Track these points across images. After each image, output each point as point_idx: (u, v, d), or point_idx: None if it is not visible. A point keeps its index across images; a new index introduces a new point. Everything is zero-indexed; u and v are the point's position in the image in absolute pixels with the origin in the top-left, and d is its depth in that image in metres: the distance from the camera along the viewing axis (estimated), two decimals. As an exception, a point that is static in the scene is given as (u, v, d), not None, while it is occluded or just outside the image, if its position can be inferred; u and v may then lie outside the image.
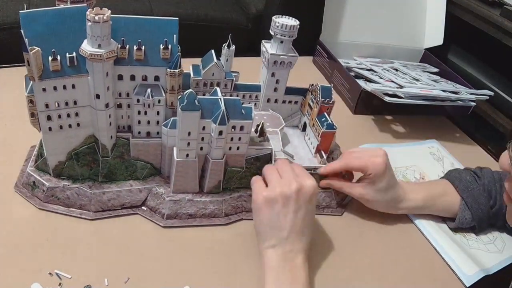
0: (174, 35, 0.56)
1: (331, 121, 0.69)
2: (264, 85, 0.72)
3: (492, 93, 0.99)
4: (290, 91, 0.74)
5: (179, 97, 0.57)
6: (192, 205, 0.63)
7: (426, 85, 1.00)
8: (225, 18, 1.36)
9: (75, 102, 0.56)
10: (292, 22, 0.67)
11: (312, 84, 0.72)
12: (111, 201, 0.61)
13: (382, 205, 0.68)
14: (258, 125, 0.65)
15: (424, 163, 0.86)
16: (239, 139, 0.61)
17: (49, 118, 0.56)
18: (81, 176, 0.61)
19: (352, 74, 1.04)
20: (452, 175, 0.72)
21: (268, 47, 0.69)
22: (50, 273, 0.52)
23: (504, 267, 0.66)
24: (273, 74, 0.70)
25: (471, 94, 0.98)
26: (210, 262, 0.59)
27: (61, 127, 0.57)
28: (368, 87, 0.94)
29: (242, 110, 0.59)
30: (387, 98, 0.89)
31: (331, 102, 0.70)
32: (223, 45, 0.67)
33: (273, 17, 0.66)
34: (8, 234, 0.56)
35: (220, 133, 0.58)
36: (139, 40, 0.55)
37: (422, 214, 0.71)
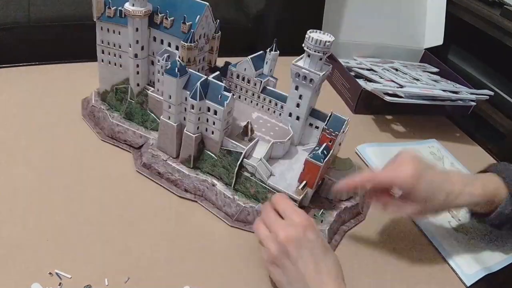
0: (198, 16, 0.64)
1: (324, 153, 0.60)
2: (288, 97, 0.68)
3: (492, 93, 0.99)
4: (316, 114, 0.69)
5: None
6: (164, 165, 0.69)
7: (426, 85, 1.00)
8: (225, 18, 1.36)
9: (119, 46, 0.70)
10: (327, 37, 0.60)
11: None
12: (119, 134, 0.74)
13: (440, 205, 0.59)
14: (245, 125, 0.65)
15: None
16: (214, 123, 0.63)
17: (102, 52, 0.72)
18: (114, 107, 0.76)
19: (352, 74, 1.04)
20: (499, 168, 0.66)
21: (307, 67, 0.62)
22: (50, 273, 0.52)
23: (507, 266, 0.66)
24: (296, 88, 0.65)
25: (471, 94, 0.98)
26: (210, 261, 0.59)
27: (109, 62, 0.73)
28: (368, 86, 0.94)
29: (219, 96, 0.61)
30: (387, 98, 0.89)
31: (334, 134, 0.62)
32: (268, 49, 0.70)
33: (308, 32, 0.61)
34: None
35: (192, 107, 0.61)
36: (167, 11, 0.65)
37: None
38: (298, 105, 0.66)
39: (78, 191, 0.65)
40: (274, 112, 0.72)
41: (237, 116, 0.69)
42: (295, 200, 0.61)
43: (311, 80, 0.61)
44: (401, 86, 0.95)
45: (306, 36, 0.60)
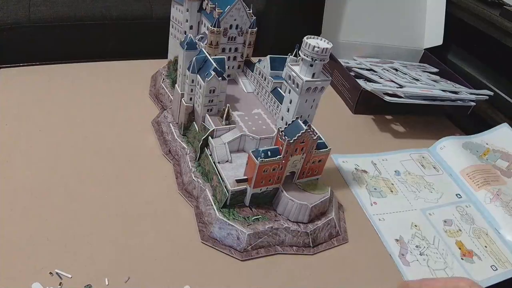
0: (229, 6, 0.72)
1: (267, 154, 0.58)
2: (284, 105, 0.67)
3: (491, 93, 0.99)
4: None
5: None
6: (167, 126, 0.77)
7: (426, 85, 1.00)
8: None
9: (180, 23, 0.81)
10: (325, 44, 0.60)
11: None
12: (160, 96, 0.87)
13: None
14: (224, 108, 0.67)
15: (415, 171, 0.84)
16: (199, 97, 0.68)
17: (172, 26, 0.84)
18: (170, 75, 0.87)
19: (352, 74, 1.04)
20: None
21: (297, 71, 0.61)
22: (50, 273, 0.52)
23: None
24: (289, 91, 0.64)
25: (471, 94, 0.98)
26: (210, 261, 0.59)
27: (174, 36, 0.84)
28: (368, 86, 0.94)
29: (207, 74, 0.65)
30: (387, 98, 0.89)
31: (284, 138, 0.58)
32: (289, 53, 0.71)
33: (304, 38, 0.60)
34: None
35: (187, 77, 0.68)
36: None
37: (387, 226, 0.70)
38: (288, 110, 0.65)
39: (78, 190, 0.65)
40: (275, 114, 0.72)
41: (242, 105, 0.74)
42: (227, 190, 0.61)
43: (297, 84, 0.61)
44: (401, 86, 0.95)
45: (307, 45, 0.59)
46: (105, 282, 0.53)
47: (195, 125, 0.72)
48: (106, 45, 1.20)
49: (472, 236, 0.72)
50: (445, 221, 0.74)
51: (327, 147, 0.64)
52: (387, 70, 1.06)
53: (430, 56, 1.20)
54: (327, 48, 0.59)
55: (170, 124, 0.76)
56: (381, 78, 1.02)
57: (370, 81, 1.01)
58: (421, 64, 1.20)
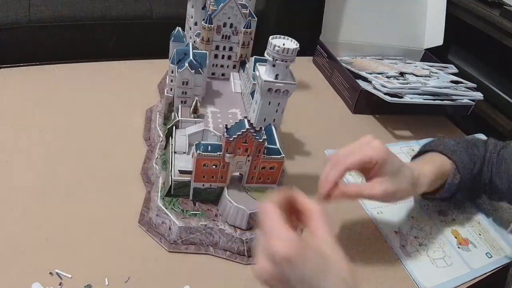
0: (222, 4, 0.72)
1: (207, 147, 0.57)
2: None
3: (481, 96, 0.98)
4: (269, 130, 0.64)
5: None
6: (155, 115, 0.79)
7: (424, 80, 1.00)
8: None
9: (192, 16, 0.80)
10: (292, 45, 0.58)
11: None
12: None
13: (408, 190, 0.59)
14: (193, 101, 0.68)
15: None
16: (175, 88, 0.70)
17: (186, 22, 0.83)
18: None
19: (352, 74, 1.04)
20: (434, 144, 0.69)
21: (262, 71, 0.60)
22: (50, 273, 0.52)
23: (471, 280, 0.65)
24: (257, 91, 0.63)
25: (466, 89, 0.98)
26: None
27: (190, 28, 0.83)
28: (369, 85, 0.94)
29: (181, 65, 0.66)
30: (387, 98, 0.89)
31: (225, 135, 0.56)
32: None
33: (270, 38, 0.58)
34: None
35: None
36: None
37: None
38: (254, 111, 0.65)
39: (78, 190, 0.65)
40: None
41: (223, 103, 0.73)
42: (171, 179, 0.61)
43: (259, 84, 0.59)
44: (404, 80, 0.95)
45: (273, 46, 0.57)
46: (105, 282, 0.53)
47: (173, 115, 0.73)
48: (106, 45, 1.20)
49: (466, 224, 0.74)
50: (439, 212, 0.76)
51: (280, 154, 0.60)
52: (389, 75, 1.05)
53: (431, 56, 1.20)
54: (288, 49, 0.56)
55: (158, 113, 0.78)
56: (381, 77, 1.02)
57: (369, 81, 1.01)
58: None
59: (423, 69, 1.09)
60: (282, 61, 0.57)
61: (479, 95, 0.97)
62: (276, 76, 0.59)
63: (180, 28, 0.74)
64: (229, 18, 0.73)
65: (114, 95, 0.86)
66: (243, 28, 0.74)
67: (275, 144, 0.62)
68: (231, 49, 0.77)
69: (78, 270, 0.53)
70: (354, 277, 0.41)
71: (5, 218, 0.58)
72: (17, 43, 1.07)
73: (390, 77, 1.01)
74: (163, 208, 0.60)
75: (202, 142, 0.59)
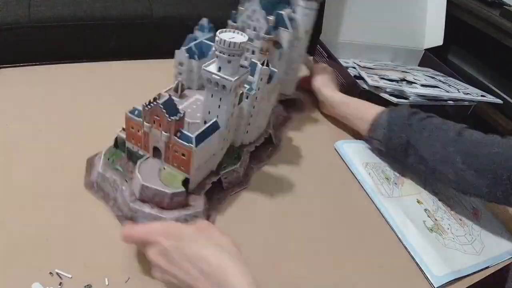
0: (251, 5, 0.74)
1: (135, 111, 0.61)
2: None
3: (501, 101, 0.98)
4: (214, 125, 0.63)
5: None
6: None
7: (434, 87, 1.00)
8: (225, 18, 1.36)
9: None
10: (240, 38, 0.56)
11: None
12: None
13: (326, 98, 0.91)
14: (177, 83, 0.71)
15: None
16: None
17: None
18: None
19: (352, 74, 1.04)
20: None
21: (219, 73, 0.58)
22: (50, 273, 0.52)
23: (478, 271, 0.65)
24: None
25: (482, 96, 0.97)
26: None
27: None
28: (374, 83, 0.94)
29: (186, 46, 0.73)
30: (394, 100, 0.89)
31: (144, 104, 0.58)
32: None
33: (218, 32, 0.57)
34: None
35: None
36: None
37: (393, 207, 0.72)
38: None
39: (79, 190, 0.65)
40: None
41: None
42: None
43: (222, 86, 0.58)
44: (408, 82, 0.95)
45: (219, 40, 0.56)
46: (105, 282, 0.53)
47: None
48: (106, 45, 1.20)
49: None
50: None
51: (191, 143, 0.58)
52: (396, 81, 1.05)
53: (430, 56, 1.20)
54: (225, 40, 0.54)
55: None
56: (382, 78, 1.01)
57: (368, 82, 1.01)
58: (425, 69, 1.20)
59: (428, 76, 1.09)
60: (224, 54, 0.55)
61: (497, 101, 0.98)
62: (219, 69, 0.57)
63: (206, 21, 0.77)
64: (252, 20, 0.74)
65: (114, 95, 0.86)
66: (263, 33, 0.73)
67: (204, 139, 0.59)
68: (253, 53, 0.76)
69: (78, 270, 0.53)
70: (232, 244, 0.49)
71: (5, 218, 0.58)
72: (17, 43, 1.07)
73: (393, 80, 1.01)
74: (103, 157, 0.66)
75: (138, 108, 0.60)
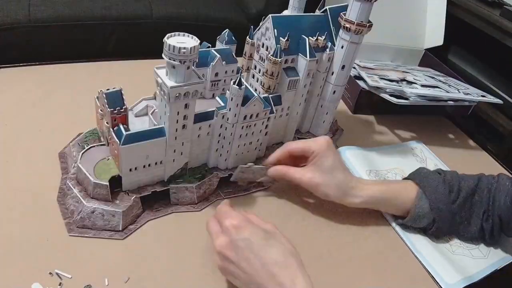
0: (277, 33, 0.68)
1: (115, 101, 0.58)
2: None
3: (501, 102, 0.98)
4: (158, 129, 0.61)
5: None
6: None
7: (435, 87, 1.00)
8: (225, 18, 1.37)
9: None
10: (192, 42, 0.52)
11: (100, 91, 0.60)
12: None
13: (333, 190, 0.63)
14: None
15: (407, 165, 0.83)
16: None
17: None
18: None
19: (352, 74, 1.04)
20: (411, 173, 0.70)
21: (164, 77, 0.54)
22: (50, 273, 0.52)
23: (489, 274, 0.65)
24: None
25: (482, 96, 0.97)
26: (211, 261, 0.59)
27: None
28: (373, 83, 0.94)
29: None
30: (394, 100, 0.89)
31: (122, 109, 0.57)
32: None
33: (166, 37, 0.51)
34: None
35: None
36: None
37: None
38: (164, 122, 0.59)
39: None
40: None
41: (205, 105, 0.65)
42: None
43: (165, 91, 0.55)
44: (408, 82, 0.95)
45: (169, 46, 0.52)
46: (105, 282, 0.53)
47: None
48: (106, 45, 1.20)
49: None
50: None
51: (119, 143, 0.55)
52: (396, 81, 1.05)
53: (431, 56, 1.20)
54: (169, 44, 0.50)
55: None
56: (382, 79, 1.02)
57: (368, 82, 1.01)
58: (426, 69, 1.20)
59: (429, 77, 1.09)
60: (170, 59, 0.51)
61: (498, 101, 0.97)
62: (166, 72, 0.54)
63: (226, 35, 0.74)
64: (267, 39, 0.68)
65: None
66: (270, 55, 0.65)
67: (138, 141, 0.56)
68: (262, 72, 0.70)
69: (78, 270, 0.53)
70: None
71: (5, 218, 0.58)
72: (17, 43, 1.07)
73: (393, 81, 1.01)
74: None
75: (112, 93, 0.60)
